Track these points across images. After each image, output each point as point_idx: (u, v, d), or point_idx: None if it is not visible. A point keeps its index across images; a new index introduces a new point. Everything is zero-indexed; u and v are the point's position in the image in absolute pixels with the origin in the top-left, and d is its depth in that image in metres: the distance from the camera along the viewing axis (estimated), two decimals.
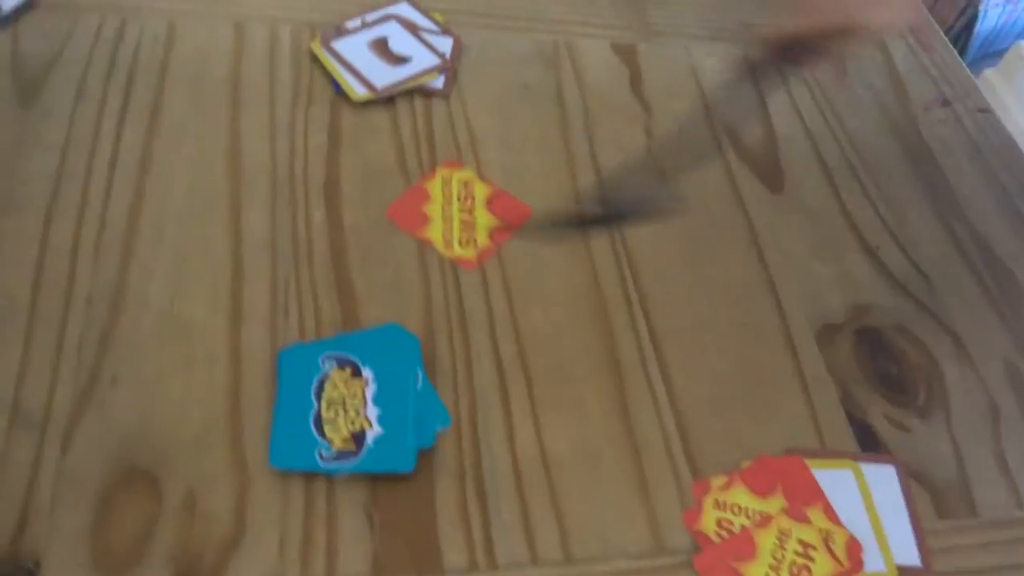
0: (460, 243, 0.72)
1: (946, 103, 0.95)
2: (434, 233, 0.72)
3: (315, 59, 0.81)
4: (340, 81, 0.79)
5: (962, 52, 1.78)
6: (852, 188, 0.84)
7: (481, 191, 0.75)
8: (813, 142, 0.87)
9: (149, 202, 0.69)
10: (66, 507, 0.54)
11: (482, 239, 0.72)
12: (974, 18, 1.97)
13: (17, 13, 0.79)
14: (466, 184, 0.75)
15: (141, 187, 0.69)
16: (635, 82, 0.88)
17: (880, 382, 0.70)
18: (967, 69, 0.99)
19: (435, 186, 0.74)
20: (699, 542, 0.59)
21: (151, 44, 0.79)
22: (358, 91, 0.79)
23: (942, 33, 1.04)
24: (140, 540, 0.54)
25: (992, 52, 2.02)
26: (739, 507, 0.61)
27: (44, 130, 0.71)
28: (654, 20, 0.95)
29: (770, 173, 0.83)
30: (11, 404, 0.58)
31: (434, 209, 0.73)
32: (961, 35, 1.99)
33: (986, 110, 0.95)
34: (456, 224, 0.72)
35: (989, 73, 1.83)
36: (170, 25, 0.81)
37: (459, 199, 0.74)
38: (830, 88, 0.92)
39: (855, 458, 0.65)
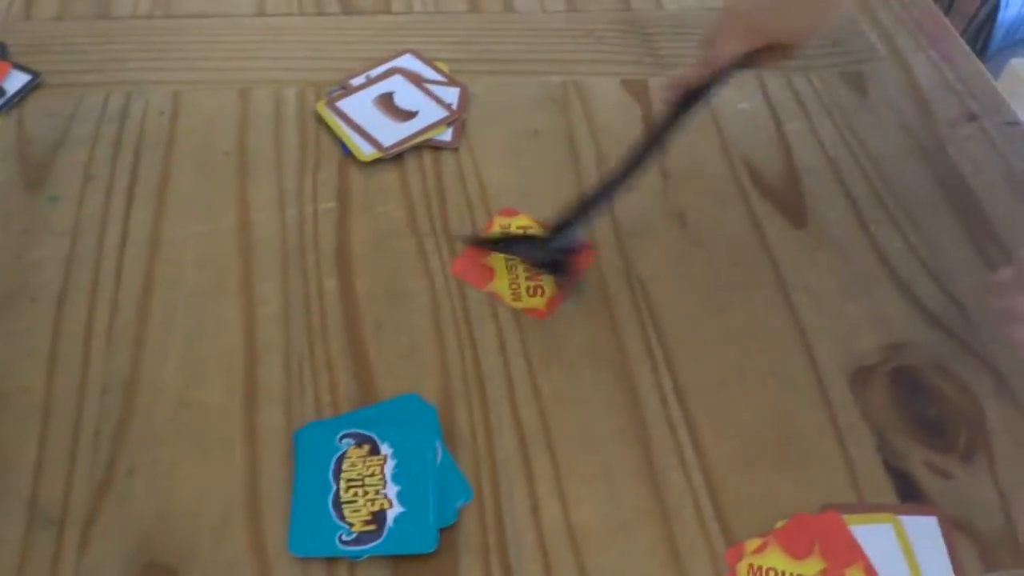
0: (528, 293, 0.71)
1: (973, 118, 0.92)
2: (500, 286, 0.71)
3: (321, 120, 0.81)
4: (347, 142, 0.79)
5: (986, 42, 1.74)
6: (880, 218, 0.81)
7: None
8: (836, 171, 0.84)
9: (160, 283, 0.68)
10: None
11: (549, 287, 0.71)
12: (996, 7, 1.93)
13: (22, 94, 0.80)
14: (524, 230, 0.74)
15: (151, 267, 0.69)
16: (647, 118, 0.86)
17: (918, 426, 0.67)
18: (992, 80, 0.95)
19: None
20: None
21: (156, 117, 0.79)
22: (365, 151, 0.78)
23: (962, 42, 1.01)
24: None
25: (1016, 41, 1.98)
26: (775, 571, 0.58)
27: (53, 214, 0.71)
28: (664, 53, 0.93)
29: (793, 208, 0.81)
30: (28, 501, 0.57)
31: (497, 261, 0.72)
32: (984, 25, 1.95)
33: (1015, 123, 0.92)
34: (522, 274, 0.72)
35: (1015, 63, 1.78)
36: (175, 96, 0.81)
37: None
38: (851, 113, 0.90)
39: (894, 511, 0.62)
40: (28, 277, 0.68)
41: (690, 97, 0.72)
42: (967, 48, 1.00)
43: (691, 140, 0.84)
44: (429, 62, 0.87)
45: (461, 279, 0.71)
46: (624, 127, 0.85)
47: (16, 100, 0.80)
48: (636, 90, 0.89)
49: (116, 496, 0.58)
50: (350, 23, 0.93)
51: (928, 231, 0.80)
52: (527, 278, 0.72)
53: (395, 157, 0.79)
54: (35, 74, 0.83)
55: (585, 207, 0.71)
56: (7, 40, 0.86)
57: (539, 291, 0.71)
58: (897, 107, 0.91)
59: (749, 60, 0.70)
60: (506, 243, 0.74)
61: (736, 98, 0.89)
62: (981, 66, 0.97)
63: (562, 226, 0.71)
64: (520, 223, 0.75)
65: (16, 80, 0.82)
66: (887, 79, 0.94)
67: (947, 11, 1.30)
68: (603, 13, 0.97)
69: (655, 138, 0.72)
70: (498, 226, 0.75)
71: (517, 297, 0.71)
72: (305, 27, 0.92)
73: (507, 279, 0.72)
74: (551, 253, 0.71)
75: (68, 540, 0.56)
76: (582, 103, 0.87)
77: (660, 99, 0.73)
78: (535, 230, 0.74)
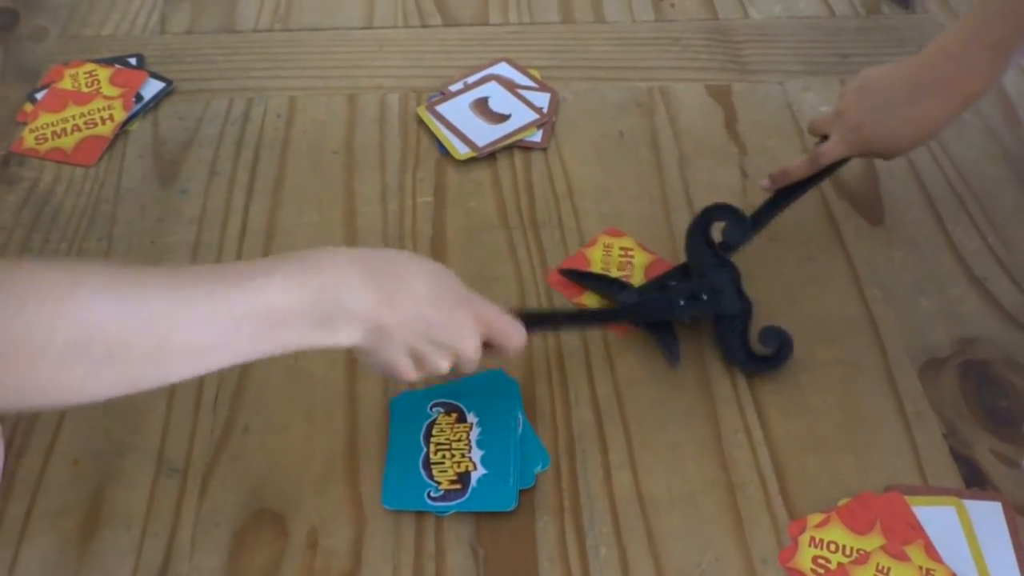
0: None
1: None
2: (591, 300, 0.75)
3: (421, 123, 0.87)
4: (444, 142, 0.85)
5: None
6: (959, 219, 0.82)
7: (641, 259, 0.77)
8: (916, 172, 0.86)
9: None
10: (204, 548, 0.60)
11: None
12: None
13: (157, 99, 0.89)
14: (626, 251, 0.78)
15: (267, 253, 0.77)
16: (730, 122, 0.90)
17: (987, 416, 0.69)
18: None
19: (595, 253, 0.78)
20: None
21: (274, 120, 0.87)
22: (461, 151, 0.84)
23: None
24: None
25: None
26: (836, 544, 0.61)
27: (183, 205, 0.80)
28: (748, 59, 0.97)
29: (870, 206, 0.83)
30: (157, 453, 0.65)
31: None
32: None
33: None
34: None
35: None
36: (291, 101, 0.89)
37: (618, 267, 0.77)
38: None
39: (959, 495, 0.64)
40: (161, 259, 0.77)
41: (790, 189, 0.76)
42: None
43: (772, 143, 0.88)
44: (522, 69, 0.93)
45: (554, 289, 0.75)
46: (706, 130, 0.89)
47: (152, 105, 0.90)
48: (719, 94, 0.93)
49: (232, 451, 0.65)
50: (450, 34, 0.99)
51: (1007, 232, 0.81)
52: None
53: (488, 156, 0.85)
54: (168, 82, 0.92)
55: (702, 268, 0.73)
56: (144, 52, 0.96)
57: None
58: (982, 112, 0.93)
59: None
60: (608, 285, 0.74)
61: (818, 101, 0.92)
62: None
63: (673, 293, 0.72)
64: (624, 244, 0.78)
65: (152, 87, 0.91)
66: None
67: None
68: (690, 23, 1.01)
69: (756, 220, 0.75)
70: (601, 245, 0.78)
71: None
72: (409, 38, 0.99)
73: (597, 296, 0.75)
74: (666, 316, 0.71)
75: (190, 488, 0.63)
76: (666, 107, 0.91)
77: (761, 186, 0.77)
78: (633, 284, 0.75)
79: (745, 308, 0.71)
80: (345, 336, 0.53)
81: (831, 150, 0.74)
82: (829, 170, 0.76)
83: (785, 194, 0.76)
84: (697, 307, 0.71)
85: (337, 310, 0.52)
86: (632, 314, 0.72)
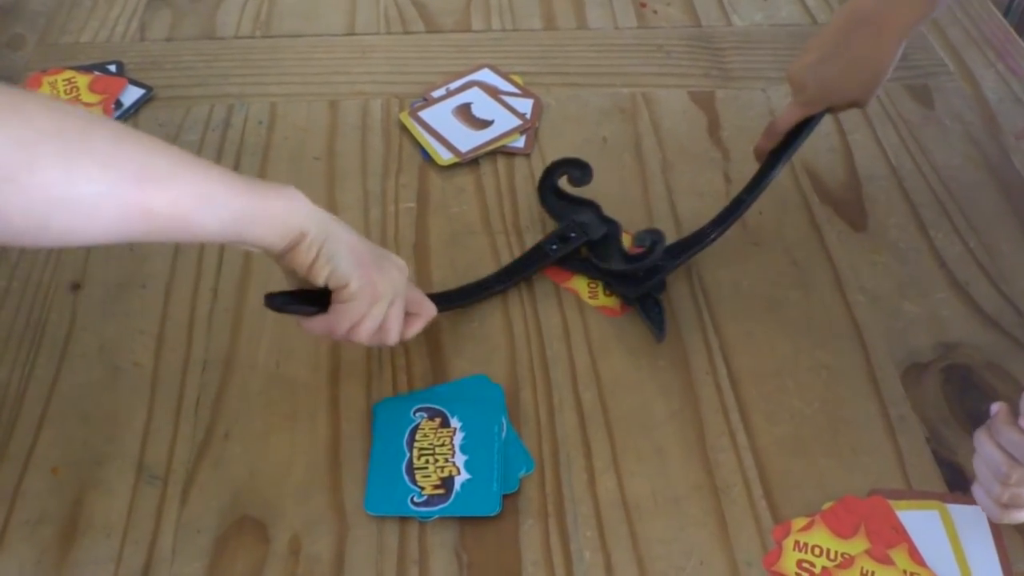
0: (604, 293, 0.76)
1: None
2: (579, 284, 0.76)
3: (404, 129, 0.87)
4: (427, 148, 0.85)
5: None
6: (940, 224, 0.83)
7: (626, 241, 0.79)
8: (898, 179, 0.87)
9: (255, 274, 0.75)
10: (185, 555, 0.60)
11: None
12: None
13: (137, 106, 0.88)
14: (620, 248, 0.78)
15: (248, 261, 0.76)
16: (713, 128, 0.90)
17: (970, 420, 0.69)
18: None
19: None
20: None
21: (255, 127, 0.87)
22: (444, 156, 0.84)
23: None
24: None
25: None
26: (820, 548, 0.61)
27: None
28: (731, 65, 0.97)
29: (853, 213, 0.83)
30: (137, 460, 0.64)
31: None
32: None
33: None
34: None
35: None
36: (272, 107, 0.88)
37: None
38: (916, 124, 0.92)
39: (942, 498, 0.64)
40: (140, 267, 0.76)
41: (771, 159, 0.78)
42: None
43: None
44: (505, 75, 0.93)
45: (542, 274, 0.77)
46: (689, 136, 0.89)
47: (132, 112, 0.89)
48: (702, 101, 0.93)
49: (213, 458, 0.65)
50: (432, 40, 0.99)
51: (988, 237, 0.82)
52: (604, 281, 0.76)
53: (471, 162, 0.85)
54: (148, 88, 0.91)
55: (701, 237, 0.76)
56: (124, 59, 0.95)
57: (613, 292, 0.75)
58: (963, 119, 0.93)
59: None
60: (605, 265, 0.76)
61: None
62: None
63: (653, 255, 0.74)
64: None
65: (132, 94, 0.91)
66: (953, 92, 0.96)
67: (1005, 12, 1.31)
68: (673, 29, 1.02)
69: (750, 188, 0.78)
70: None
71: (594, 295, 0.75)
72: (391, 44, 0.99)
73: (585, 279, 0.76)
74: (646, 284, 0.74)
75: (171, 495, 0.63)
76: (650, 113, 0.91)
77: (756, 147, 0.80)
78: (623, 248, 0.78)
79: (612, 228, 0.77)
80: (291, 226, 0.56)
81: (784, 117, 0.77)
82: (801, 131, 0.77)
83: (765, 168, 0.78)
84: (567, 245, 0.76)
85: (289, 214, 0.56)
86: (513, 275, 0.75)
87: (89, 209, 0.47)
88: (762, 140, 0.79)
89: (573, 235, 0.77)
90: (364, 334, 0.61)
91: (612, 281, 0.75)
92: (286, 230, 0.55)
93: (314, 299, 0.61)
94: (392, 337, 0.63)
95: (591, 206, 0.79)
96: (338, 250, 0.58)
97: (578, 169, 0.80)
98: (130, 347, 0.71)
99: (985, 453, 0.57)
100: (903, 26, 0.71)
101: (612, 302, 0.75)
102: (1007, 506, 0.57)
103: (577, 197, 0.80)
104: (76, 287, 0.75)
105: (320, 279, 0.58)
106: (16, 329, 0.72)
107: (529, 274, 0.76)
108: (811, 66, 0.73)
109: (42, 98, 0.48)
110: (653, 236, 0.74)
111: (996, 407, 0.58)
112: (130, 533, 0.61)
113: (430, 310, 0.67)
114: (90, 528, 0.61)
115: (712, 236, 0.76)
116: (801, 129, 0.77)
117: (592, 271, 0.76)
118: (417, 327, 0.66)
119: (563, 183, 0.81)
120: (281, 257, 0.57)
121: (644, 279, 0.74)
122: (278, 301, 0.61)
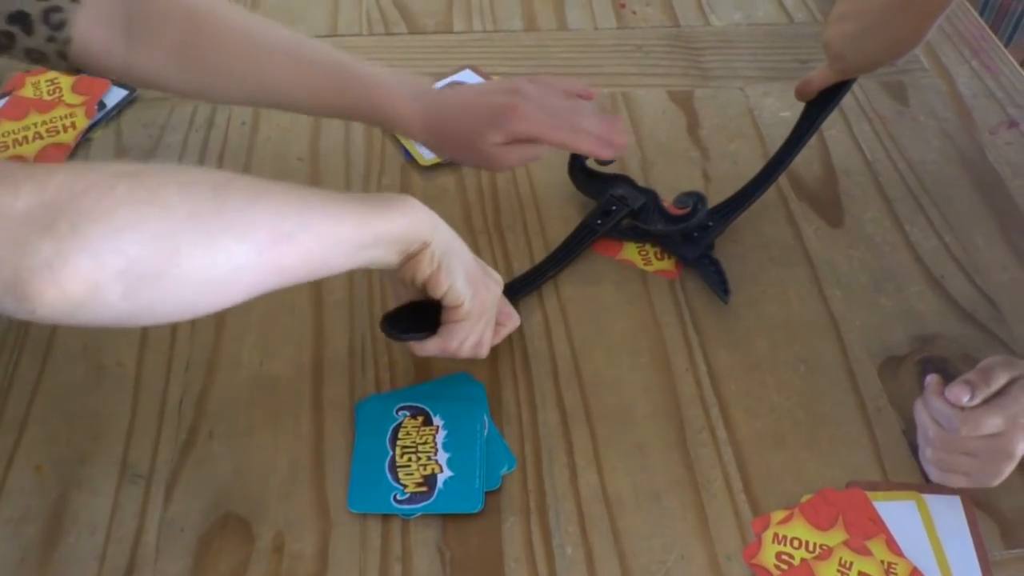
0: (656, 257, 0.78)
1: (1013, 125, 0.94)
2: (631, 253, 0.79)
3: (386, 130, 0.87)
4: (409, 148, 0.85)
5: None
6: (915, 219, 0.84)
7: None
8: (874, 174, 0.88)
9: None
10: (169, 553, 0.60)
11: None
12: None
13: (120, 107, 0.88)
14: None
15: None
16: (692, 127, 0.91)
17: None
18: None
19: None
20: None
21: (238, 127, 0.87)
22: (426, 156, 0.84)
23: (1006, 52, 1.03)
24: None
25: None
26: (799, 540, 0.62)
27: None
28: (710, 65, 0.98)
29: (830, 208, 0.84)
30: (121, 459, 0.65)
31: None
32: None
33: None
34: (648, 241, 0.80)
35: None
36: (255, 108, 0.88)
37: None
38: (891, 120, 0.93)
39: (919, 489, 0.65)
40: None
41: (813, 109, 0.81)
42: (1010, 58, 1.02)
43: (734, 147, 0.89)
44: (487, 76, 0.93)
45: (593, 250, 0.79)
46: (669, 135, 0.90)
47: (115, 113, 0.89)
48: (682, 100, 0.94)
49: (197, 456, 0.65)
50: (415, 41, 1.00)
51: (963, 232, 0.83)
52: (653, 244, 0.79)
53: (453, 162, 0.85)
54: (132, 89, 0.91)
55: (744, 196, 0.80)
56: None
57: (667, 255, 0.78)
58: (938, 115, 0.95)
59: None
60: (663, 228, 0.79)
61: (778, 106, 0.93)
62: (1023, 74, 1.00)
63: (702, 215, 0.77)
64: None
65: (115, 95, 0.91)
66: (928, 88, 0.98)
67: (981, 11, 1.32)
68: (652, 29, 1.03)
69: (788, 148, 0.82)
70: None
71: (648, 262, 0.78)
72: (374, 46, 0.99)
73: (636, 247, 0.79)
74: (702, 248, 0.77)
75: (154, 494, 0.63)
76: (629, 112, 0.92)
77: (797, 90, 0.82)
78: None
79: (649, 196, 0.80)
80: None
81: (819, 77, 0.79)
82: (836, 94, 0.80)
83: (800, 131, 0.82)
84: (611, 218, 0.79)
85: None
86: (566, 255, 0.78)
87: (230, 282, 0.49)
88: (800, 88, 0.81)
89: (614, 208, 0.79)
90: (467, 349, 0.64)
91: (667, 244, 0.79)
92: (407, 245, 0.57)
93: (420, 317, 0.64)
94: (486, 350, 0.66)
95: (624, 179, 0.82)
96: (456, 268, 0.60)
97: None
98: (114, 346, 0.71)
99: (918, 419, 0.65)
100: (940, 11, 0.72)
101: (668, 264, 0.78)
102: (943, 470, 0.64)
103: (607, 174, 0.82)
104: None
105: (439, 292, 0.60)
106: None
107: (580, 251, 0.78)
108: (852, 37, 0.74)
109: (170, 174, 0.49)
110: (694, 197, 0.77)
111: (929, 378, 0.65)
112: (114, 531, 0.61)
113: (515, 321, 0.70)
114: (74, 526, 0.61)
115: (755, 195, 0.80)
116: (835, 92, 0.79)
117: (642, 237, 0.79)
118: (501, 336, 0.69)
119: (591, 164, 0.82)
120: (399, 268, 0.59)
121: (700, 238, 0.77)
122: (395, 331, 0.64)
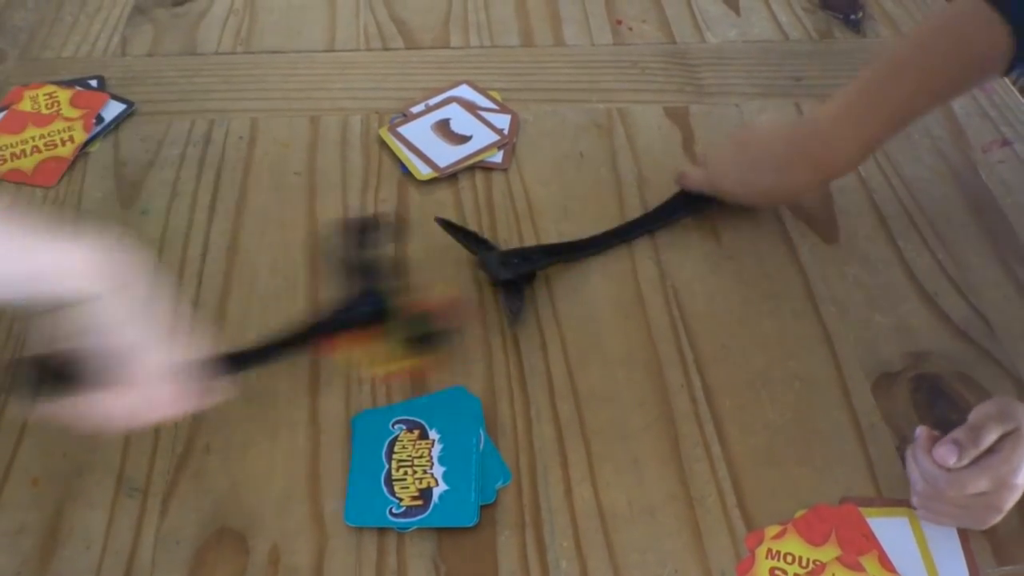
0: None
1: (1006, 143, 0.95)
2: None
3: (383, 144, 0.88)
4: (406, 163, 0.86)
5: None
6: (909, 236, 0.85)
7: None
8: (868, 191, 0.89)
9: (236, 286, 0.76)
10: (165, 567, 0.60)
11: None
12: None
13: (118, 121, 0.89)
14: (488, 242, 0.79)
15: (229, 272, 0.77)
16: (687, 143, 0.92)
17: (939, 429, 0.69)
18: None
19: None
20: None
21: (236, 142, 0.87)
22: (423, 171, 0.85)
23: None
24: None
25: None
26: (792, 556, 0.62)
27: (144, 225, 0.80)
28: (705, 81, 0.99)
29: (824, 225, 0.85)
30: (117, 472, 0.65)
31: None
32: None
33: None
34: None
35: None
36: (253, 122, 0.89)
37: None
38: None
39: (912, 506, 0.65)
40: None
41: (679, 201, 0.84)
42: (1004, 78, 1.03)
43: None
44: (483, 91, 0.94)
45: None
46: (664, 151, 0.91)
47: (113, 126, 0.90)
48: (677, 116, 0.94)
49: (193, 470, 0.65)
50: (412, 57, 1.01)
51: (957, 249, 0.84)
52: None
53: (450, 177, 0.86)
54: (129, 103, 0.92)
55: (558, 250, 0.79)
56: (105, 74, 0.96)
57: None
58: (931, 133, 0.95)
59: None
60: (475, 242, 0.79)
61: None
62: (1017, 94, 1.01)
63: (527, 255, 0.78)
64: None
65: (113, 109, 0.91)
66: None
67: None
68: (648, 46, 1.03)
69: (651, 216, 0.83)
70: None
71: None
72: (371, 61, 1.00)
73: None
74: (512, 272, 0.76)
75: (150, 507, 0.63)
76: (625, 128, 0.93)
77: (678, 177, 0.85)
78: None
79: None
80: None
81: (692, 179, 0.83)
82: (696, 203, 0.83)
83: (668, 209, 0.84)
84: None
85: None
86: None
87: None
88: (678, 179, 0.84)
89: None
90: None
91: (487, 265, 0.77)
92: None
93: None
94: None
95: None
96: None
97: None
98: None
99: (908, 469, 0.65)
100: (834, 174, 0.79)
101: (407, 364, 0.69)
102: (930, 515, 0.64)
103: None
104: None
105: None
106: None
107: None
108: (742, 167, 0.79)
109: None
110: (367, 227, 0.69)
111: (919, 431, 0.64)
112: (110, 544, 0.61)
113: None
114: (70, 539, 0.61)
115: (598, 249, 0.80)
116: (697, 200, 0.83)
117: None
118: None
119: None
120: None
121: (518, 266, 0.77)
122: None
